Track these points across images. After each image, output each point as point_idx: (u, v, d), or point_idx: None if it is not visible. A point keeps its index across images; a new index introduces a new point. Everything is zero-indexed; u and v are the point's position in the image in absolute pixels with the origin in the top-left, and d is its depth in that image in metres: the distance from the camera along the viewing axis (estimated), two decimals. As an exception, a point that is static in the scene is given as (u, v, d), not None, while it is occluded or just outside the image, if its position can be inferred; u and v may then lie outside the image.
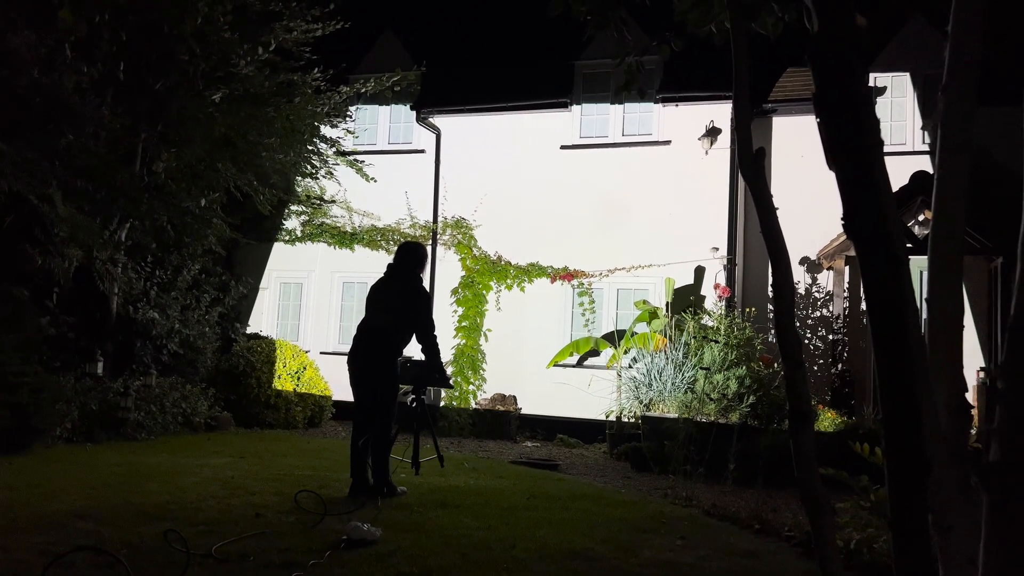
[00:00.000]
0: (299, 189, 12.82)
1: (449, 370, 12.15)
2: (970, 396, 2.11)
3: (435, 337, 6.04)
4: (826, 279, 11.17)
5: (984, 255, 10.02)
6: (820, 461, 2.13)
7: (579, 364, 11.53)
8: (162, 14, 7.48)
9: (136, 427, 8.54)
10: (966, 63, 2.07)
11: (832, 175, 1.68)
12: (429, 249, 12.72)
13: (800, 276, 11.23)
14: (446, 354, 12.21)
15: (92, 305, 9.22)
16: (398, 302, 6.04)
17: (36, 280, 8.27)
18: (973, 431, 3.60)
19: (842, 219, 1.60)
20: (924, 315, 2.02)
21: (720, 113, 11.40)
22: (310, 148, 11.44)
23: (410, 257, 6.22)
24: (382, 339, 5.96)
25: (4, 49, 6.73)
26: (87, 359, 9.24)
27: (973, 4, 2.08)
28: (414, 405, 6.30)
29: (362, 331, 6.10)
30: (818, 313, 11.15)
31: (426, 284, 12.00)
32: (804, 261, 11.14)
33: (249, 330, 12.69)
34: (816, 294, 11.20)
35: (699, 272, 11.24)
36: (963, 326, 1.98)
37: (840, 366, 10.58)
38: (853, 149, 1.58)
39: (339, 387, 12.03)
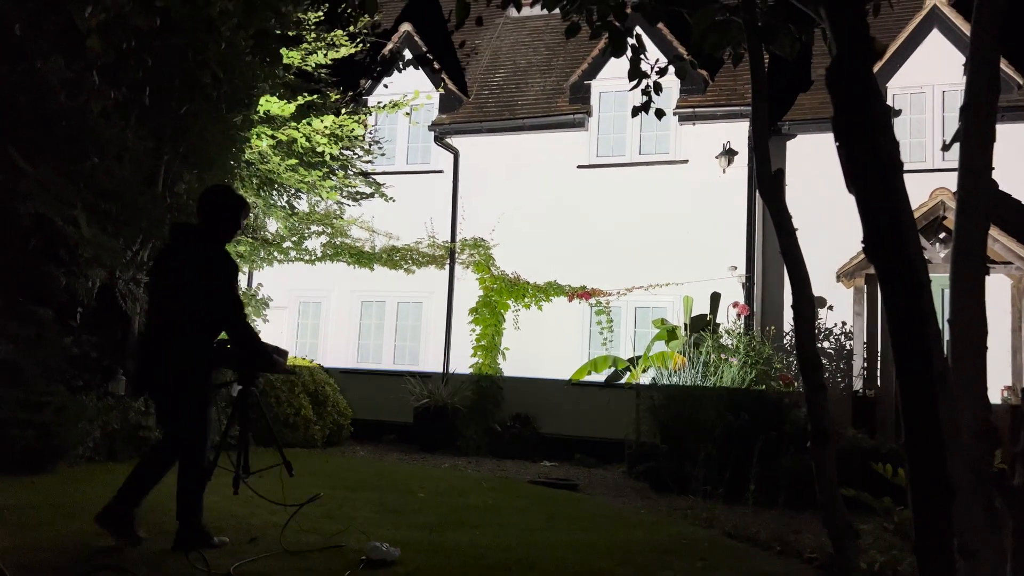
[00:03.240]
0: (319, 209, 12.95)
1: (467, 389, 12.09)
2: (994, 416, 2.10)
3: (247, 324, 4.48)
4: (823, 312, 11.07)
5: (1007, 270, 9.92)
6: (842, 481, 2.12)
7: (602, 384, 11.47)
8: (187, 40, 7.62)
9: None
10: (985, 83, 2.07)
11: (846, 191, 1.68)
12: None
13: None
14: (464, 372, 12.22)
15: (114, 325, 9.32)
16: (190, 282, 4.30)
17: (60, 300, 8.37)
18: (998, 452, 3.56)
19: (862, 242, 1.61)
20: (947, 336, 2.01)
21: (737, 131, 11.41)
22: (329, 168, 11.57)
23: (210, 212, 4.44)
24: (173, 337, 4.29)
25: (32, 75, 6.87)
26: (109, 378, 9.34)
27: (992, 25, 2.09)
28: (237, 399, 4.91)
29: (148, 326, 4.61)
30: (833, 340, 11.05)
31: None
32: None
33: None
34: (829, 323, 11.13)
35: (717, 291, 11.20)
36: (986, 347, 1.97)
37: (861, 385, 10.48)
38: (872, 172, 1.59)
39: (358, 405, 12.10)
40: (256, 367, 4.72)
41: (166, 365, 4.31)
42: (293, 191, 11.64)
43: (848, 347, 10.97)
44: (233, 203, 4.52)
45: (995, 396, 9.38)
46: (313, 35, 10.15)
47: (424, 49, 13.32)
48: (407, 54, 13.12)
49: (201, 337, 4.33)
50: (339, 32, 10.67)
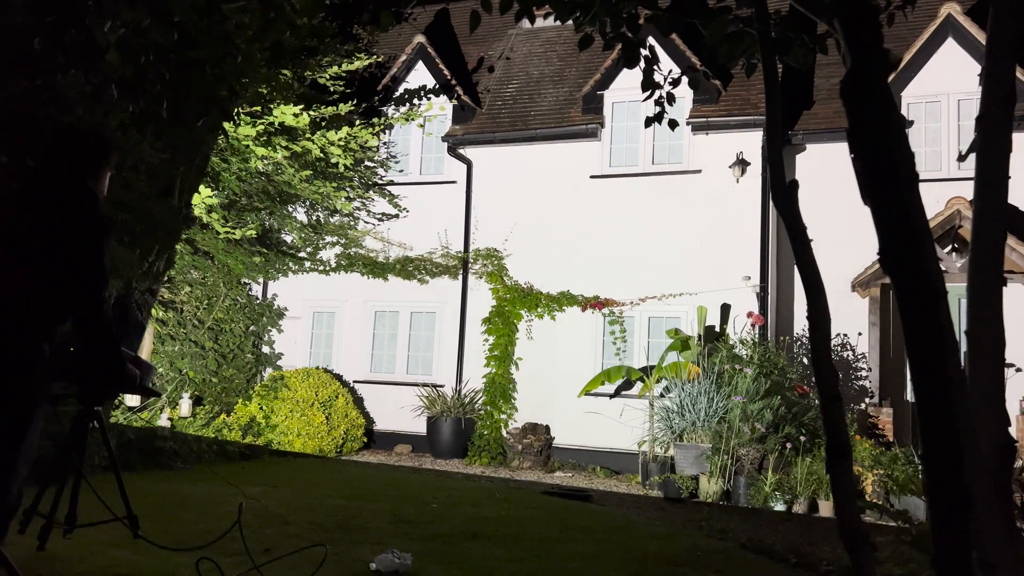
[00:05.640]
0: (333, 220, 13.03)
1: (480, 399, 12.09)
2: (1013, 428, 2.08)
3: (100, 312, 3.03)
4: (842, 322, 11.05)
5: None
6: (858, 493, 2.10)
7: (615, 394, 11.45)
8: (204, 54, 7.70)
9: (172, 456, 8.64)
10: (1001, 93, 2.06)
11: (859, 200, 1.68)
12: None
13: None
14: (477, 383, 12.19)
15: (130, 335, 9.40)
16: (40, 242, 2.96)
17: (77, 311, 8.44)
18: (1018, 464, 3.53)
19: (878, 254, 1.60)
20: (964, 347, 2.00)
21: (751, 141, 11.39)
22: (344, 180, 11.64)
23: (70, 152, 3.14)
24: (8, 315, 2.91)
25: (51, 89, 6.96)
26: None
27: (1007, 34, 2.09)
28: (74, 423, 3.96)
29: None
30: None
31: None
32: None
33: (284, 359, 12.85)
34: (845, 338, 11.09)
35: (728, 301, 11.16)
36: (1004, 359, 1.96)
37: (877, 395, 10.40)
38: (888, 185, 1.58)
39: (371, 415, 12.11)
40: (104, 381, 3.63)
41: None
42: (309, 203, 11.72)
43: (845, 357, 10.91)
44: (97, 148, 3.23)
45: (1013, 408, 9.28)
46: (327, 46, 10.23)
47: (437, 61, 13.39)
48: (429, 80, 13.18)
49: (45, 319, 2.99)
50: (352, 46, 10.76)
